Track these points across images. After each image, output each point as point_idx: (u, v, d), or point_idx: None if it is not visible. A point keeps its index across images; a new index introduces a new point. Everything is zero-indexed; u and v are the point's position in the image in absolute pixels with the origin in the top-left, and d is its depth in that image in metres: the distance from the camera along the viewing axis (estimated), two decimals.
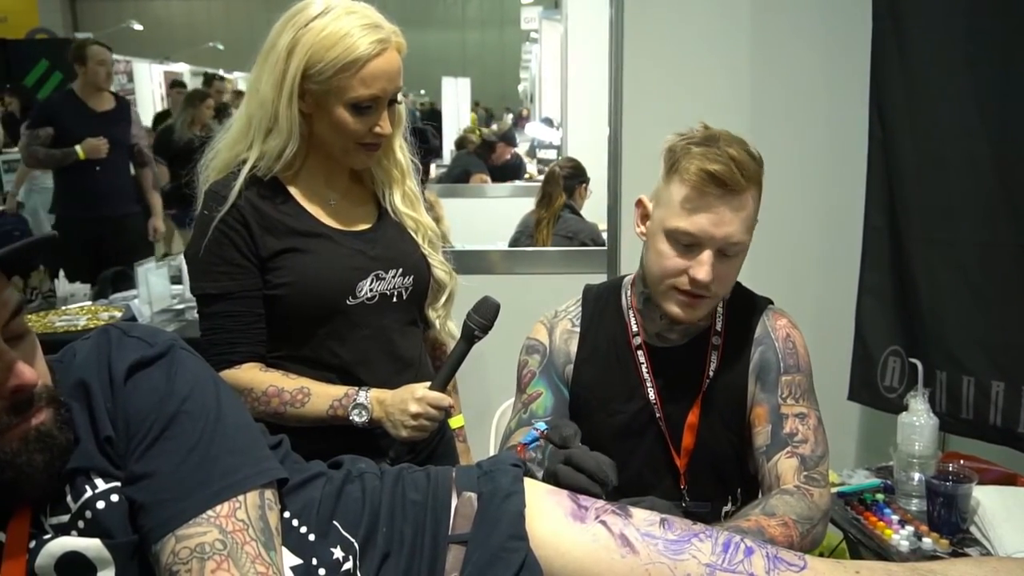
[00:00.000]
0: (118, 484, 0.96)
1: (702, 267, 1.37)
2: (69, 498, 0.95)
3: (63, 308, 3.27)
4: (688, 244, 1.38)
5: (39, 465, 0.90)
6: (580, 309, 1.58)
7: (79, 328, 2.98)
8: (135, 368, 1.00)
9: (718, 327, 1.50)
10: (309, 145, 1.51)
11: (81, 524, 0.94)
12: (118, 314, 3.15)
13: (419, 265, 1.60)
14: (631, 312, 1.53)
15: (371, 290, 1.52)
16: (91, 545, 0.94)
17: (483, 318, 1.46)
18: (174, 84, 8.25)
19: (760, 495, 1.43)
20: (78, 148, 4.24)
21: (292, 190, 1.52)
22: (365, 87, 1.43)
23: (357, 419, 1.46)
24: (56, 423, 0.92)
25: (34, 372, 0.91)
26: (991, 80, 1.93)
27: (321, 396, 1.46)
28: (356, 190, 1.60)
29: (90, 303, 3.37)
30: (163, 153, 5.35)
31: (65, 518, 0.95)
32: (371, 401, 1.47)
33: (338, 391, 1.48)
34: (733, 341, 1.49)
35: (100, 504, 0.95)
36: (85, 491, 0.95)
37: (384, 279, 1.54)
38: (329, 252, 1.50)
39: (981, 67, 1.95)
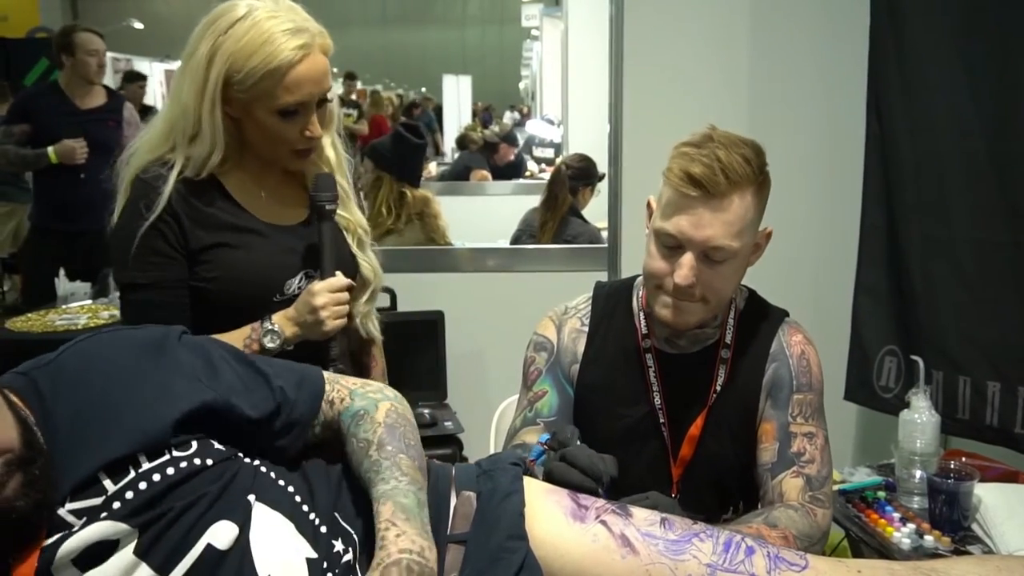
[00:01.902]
0: (167, 458, 1.00)
1: (681, 270, 1.34)
2: (108, 481, 0.97)
3: (63, 307, 3.26)
4: (672, 246, 1.36)
5: (16, 520, 0.92)
6: (590, 307, 1.55)
7: (80, 327, 2.97)
8: None
9: (728, 339, 1.47)
10: (241, 144, 1.50)
11: (116, 505, 0.96)
12: (118, 312, 3.14)
13: (348, 263, 1.59)
14: (641, 314, 1.51)
15: (299, 287, 1.52)
16: (110, 528, 0.95)
17: (327, 190, 1.50)
18: (129, 77, 7.50)
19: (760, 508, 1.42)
20: (50, 150, 3.69)
21: (224, 184, 1.50)
22: (290, 94, 1.41)
23: (271, 344, 1.46)
24: (20, 491, 0.93)
25: None
26: (988, 78, 1.93)
27: (234, 338, 1.44)
28: (288, 187, 1.59)
29: (90, 302, 3.36)
30: None
31: (97, 501, 0.96)
32: (278, 323, 1.47)
33: (246, 329, 1.47)
34: (744, 354, 1.46)
35: (143, 484, 0.97)
36: (128, 473, 0.98)
37: (315, 277, 1.53)
38: (259, 248, 1.50)
39: (978, 65, 1.94)
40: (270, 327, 1.47)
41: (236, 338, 1.45)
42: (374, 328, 1.68)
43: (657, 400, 1.46)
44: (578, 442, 1.27)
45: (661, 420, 1.46)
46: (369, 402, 1.17)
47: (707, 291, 1.37)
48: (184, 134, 1.45)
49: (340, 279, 1.50)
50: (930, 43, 2.06)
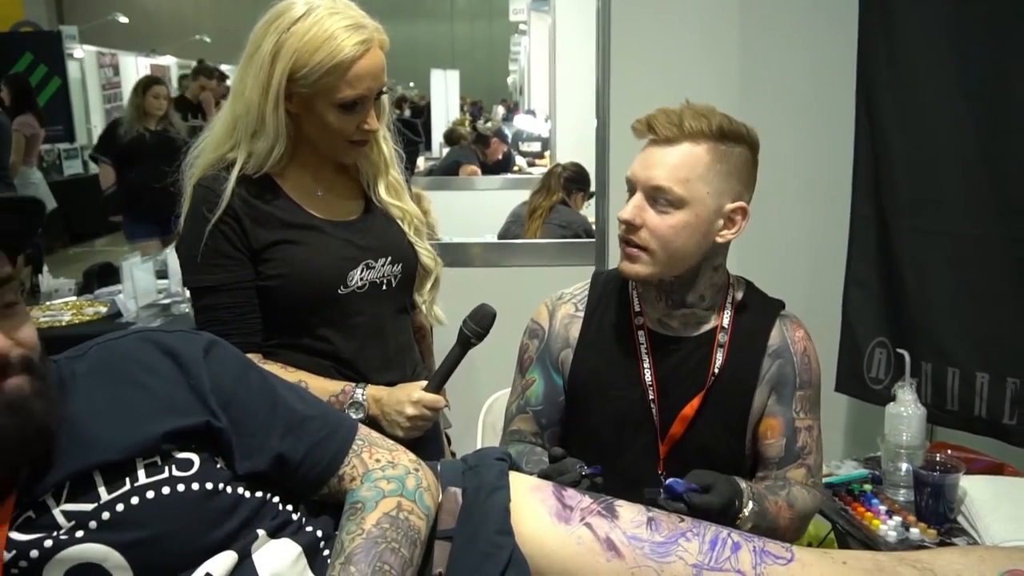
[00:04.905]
0: (165, 476, 0.98)
1: (627, 207, 1.41)
2: (102, 489, 0.96)
3: (47, 303, 3.25)
4: (631, 191, 1.43)
5: (8, 431, 0.91)
6: (587, 293, 1.58)
7: (63, 323, 2.96)
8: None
9: (724, 323, 1.49)
10: (296, 141, 1.52)
11: (106, 516, 0.95)
12: (103, 309, 3.13)
13: (407, 252, 1.62)
14: (635, 294, 1.53)
15: (362, 279, 1.54)
16: (100, 552, 0.94)
17: (479, 326, 1.51)
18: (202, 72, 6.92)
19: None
20: None
21: (281, 184, 1.53)
22: (351, 88, 1.43)
23: (352, 415, 1.47)
24: (31, 391, 0.93)
25: (6, 340, 0.93)
26: (979, 70, 1.93)
27: (318, 391, 1.46)
28: (343, 182, 1.61)
29: (75, 298, 3.34)
30: (106, 151, 4.87)
31: (88, 507, 0.95)
32: (367, 399, 1.50)
33: (335, 387, 1.51)
34: (742, 341, 1.48)
35: (135, 500, 0.96)
36: (123, 484, 0.96)
37: (374, 268, 1.56)
38: (320, 243, 1.52)
39: (969, 56, 1.94)
40: (360, 400, 1.50)
41: (321, 394, 1.44)
42: (439, 312, 1.71)
43: (648, 377, 1.48)
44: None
45: (651, 397, 1.47)
46: (373, 494, 1.06)
47: (652, 236, 1.40)
48: (247, 130, 1.48)
49: (440, 400, 1.52)
50: (920, 33, 2.05)
